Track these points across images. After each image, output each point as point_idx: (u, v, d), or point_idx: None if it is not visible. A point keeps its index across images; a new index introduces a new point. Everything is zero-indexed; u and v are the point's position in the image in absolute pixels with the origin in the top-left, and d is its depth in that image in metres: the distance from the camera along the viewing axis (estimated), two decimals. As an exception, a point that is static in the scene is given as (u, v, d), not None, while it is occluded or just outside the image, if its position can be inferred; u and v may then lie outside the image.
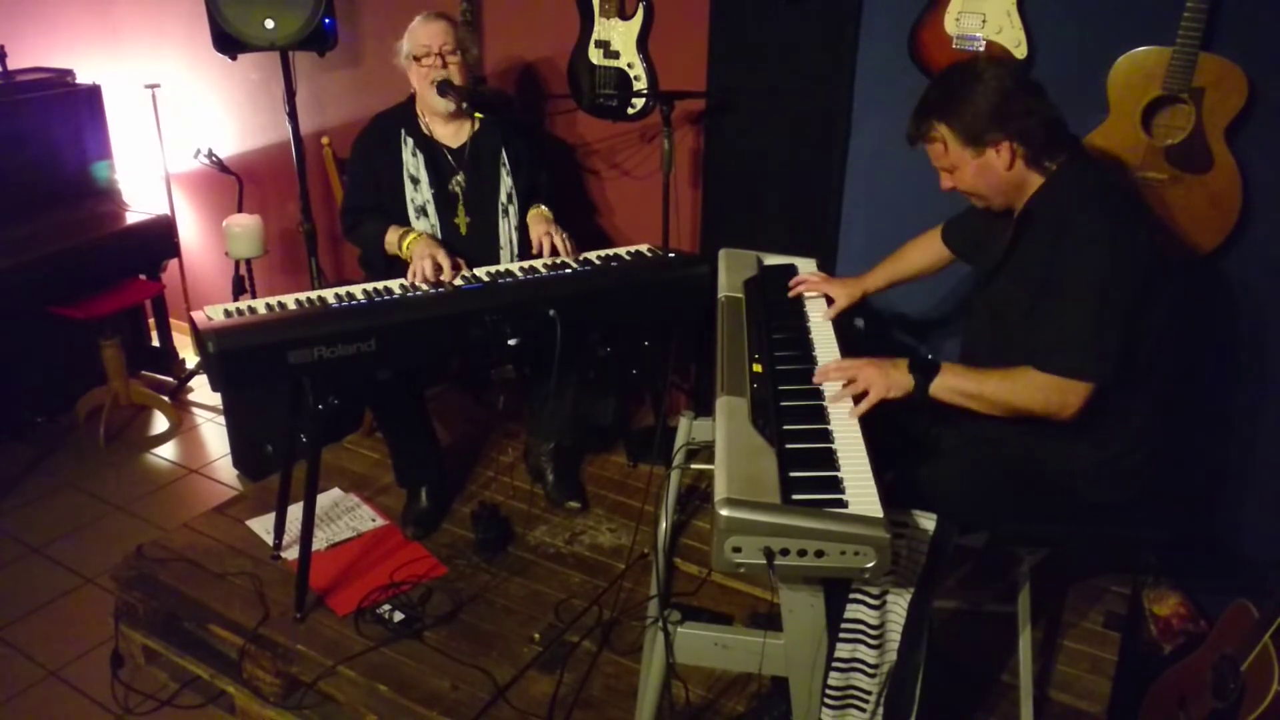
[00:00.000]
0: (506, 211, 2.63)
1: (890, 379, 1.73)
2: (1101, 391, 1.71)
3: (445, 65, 2.53)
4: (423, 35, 2.53)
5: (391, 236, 2.51)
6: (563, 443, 2.79)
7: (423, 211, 2.58)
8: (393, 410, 2.63)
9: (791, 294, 2.22)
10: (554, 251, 2.50)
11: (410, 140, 2.58)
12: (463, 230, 2.62)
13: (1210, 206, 2.21)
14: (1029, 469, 1.85)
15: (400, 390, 2.55)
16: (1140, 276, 1.71)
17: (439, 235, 2.57)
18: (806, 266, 2.44)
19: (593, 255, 2.52)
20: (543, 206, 2.67)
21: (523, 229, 2.64)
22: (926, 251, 2.25)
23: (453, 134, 2.63)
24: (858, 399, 1.72)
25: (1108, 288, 1.68)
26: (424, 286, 2.31)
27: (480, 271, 2.41)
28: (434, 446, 2.73)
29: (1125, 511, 1.89)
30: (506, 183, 2.63)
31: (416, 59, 2.53)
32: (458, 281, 2.34)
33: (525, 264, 2.47)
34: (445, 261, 2.36)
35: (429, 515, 2.66)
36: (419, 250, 2.39)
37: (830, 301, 2.17)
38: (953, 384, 1.75)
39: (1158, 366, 1.79)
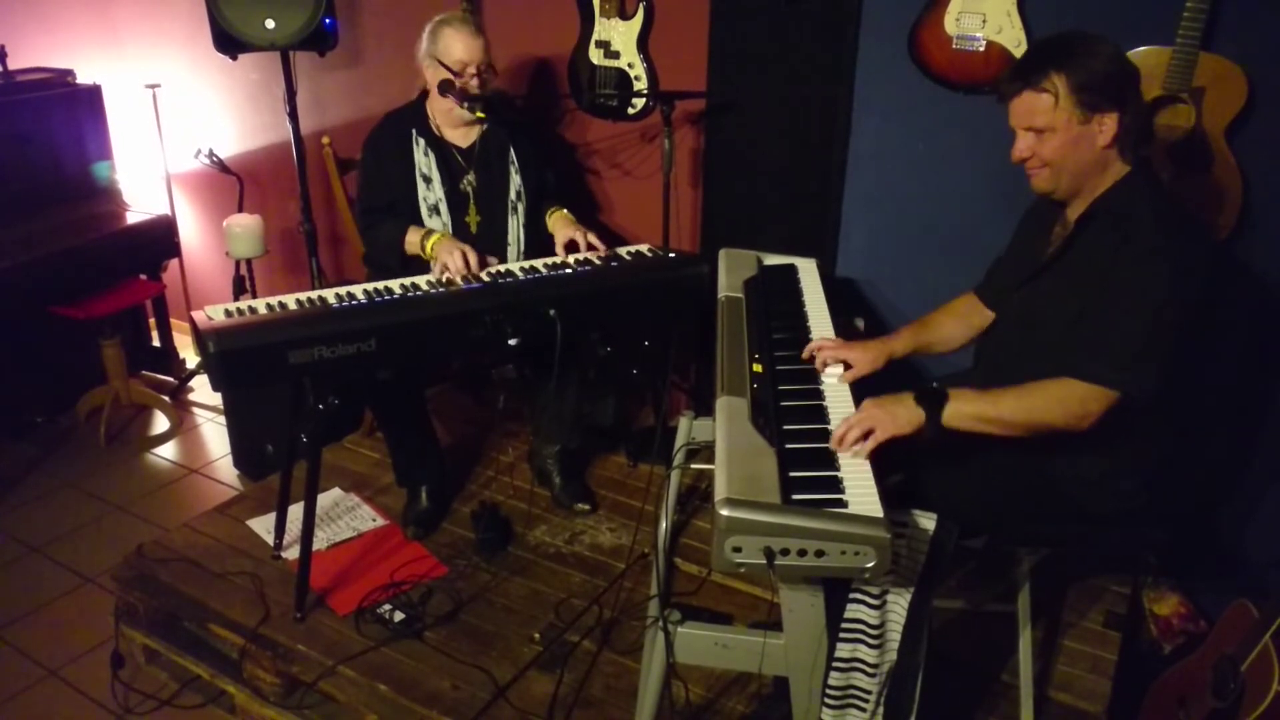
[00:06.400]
0: (516, 209, 2.64)
1: (897, 417, 1.65)
2: (1127, 405, 1.68)
3: (483, 85, 2.52)
4: (461, 50, 2.49)
5: (413, 237, 2.50)
6: (569, 445, 2.79)
7: (435, 210, 2.58)
8: (393, 410, 2.63)
9: (805, 355, 1.96)
10: (589, 249, 2.53)
11: (422, 140, 2.58)
12: (473, 229, 2.62)
13: (1211, 206, 2.21)
14: (1037, 478, 1.82)
15: (401, 390, 2.55)
16: (1197, 299, 1.67)
17: (450, 233, 2.58)
18: (807, 266, 2.44)
19: (593, 255, 2.52)
20: (564, 210, 2.68)
21: (530, 227, 2.66)
22: (957, 316, 2.11)
23: (462, 134, 2.64)
24: (865, 437, 1.64)
25: (1164, 305, 1.64)
26: (456, 279, 2.32)
27: (480, 271, 2.41)
28: (434, 446, 2.73)
29: (1127, 516, 1.88)
30: (515, 181, 2.64)
31: (453, 72, 2.50)
32: (486, 275, 2.36)
33: (525, 264, 2.47)
34: (473, 256, 2.37)
35: (429, 515, 2.66)
36: (445, 246, 2.39)
37: (847, 366, 1.94)
38: (965, 410, 1.68)
39: (1175, 378, 1.75)
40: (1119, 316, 1.67)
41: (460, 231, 2.60)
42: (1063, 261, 1.82)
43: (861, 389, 1.90)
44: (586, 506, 2.73)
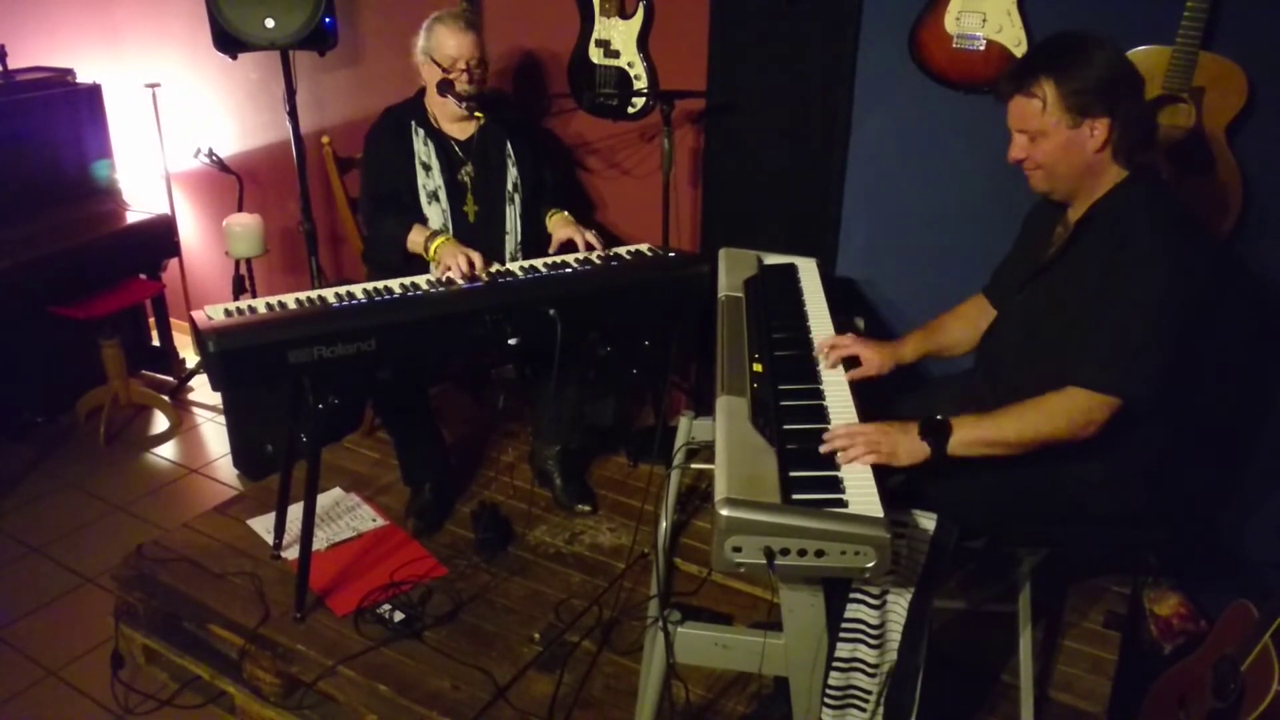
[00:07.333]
0: (513, 200, 2.66)
1: (898, 447, 1.65)
2: (1129, 410, 1.67)
3: (471, 80, 2.54)
4: (453, 46, 2.51)
5: (416, 237, 2.50)
6: (569, 445, 2.79)
7: (434, 197, 2.59)
8: (398, 408, 2.63)
9: (818, 351, 2.00)
10: (588, 248, 2.53)
11: (421, 131, 2.60)
12: (471, 218, 2.64)
13: (1211, 206, 2.21)
14: (1038, 479, 1.81)
15: (405, 387, 2.56)
16: (1196, 300, 1.66)
17: (449, 221, 2.60)
18: (807, 266, 2.44)
19: (593, 255, 2.52)
20: (565, 213, 2.69)
21: (527, 218, 2.67)
22: (966, 320, 2.11)
23: (460, 128, 2.65)
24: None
25: (1162, 307, 1.64)
26: (457, 279, 2.32)
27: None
28: (440, 446, 2.73)
29: (1128, 516, 1.88)
30: (512, 173, 2.66)
31: (443, 68, 2.52)
32: (485, 274, 2.35)
33: (525, 263, 2.47)
34: (478, 259, 2.37)
35: (434, 509, 2.66)
36: (449, 249, 2.39)
37: (855, 363, 1.99)
38: (970, 438, 1.67)
39: (1176, 379, 1.74)
40: (1117, 320, 1.66)
41: (459, 221, 2.61)
42: (1062, 263, 1.82)
43: (865, 390, 1.90)
44: (588, 508, 2.73)
